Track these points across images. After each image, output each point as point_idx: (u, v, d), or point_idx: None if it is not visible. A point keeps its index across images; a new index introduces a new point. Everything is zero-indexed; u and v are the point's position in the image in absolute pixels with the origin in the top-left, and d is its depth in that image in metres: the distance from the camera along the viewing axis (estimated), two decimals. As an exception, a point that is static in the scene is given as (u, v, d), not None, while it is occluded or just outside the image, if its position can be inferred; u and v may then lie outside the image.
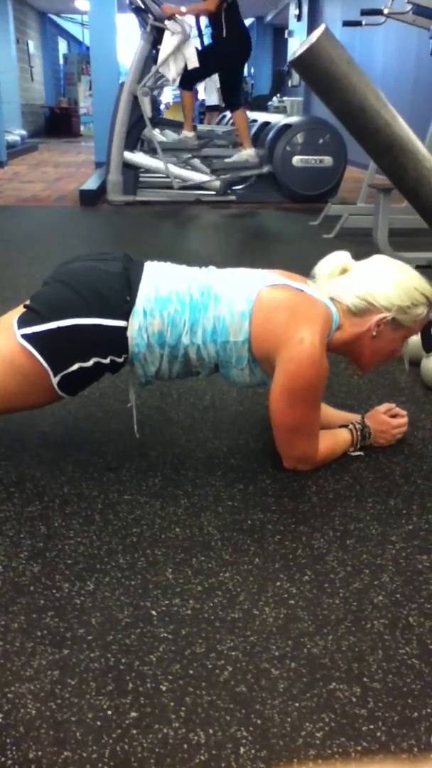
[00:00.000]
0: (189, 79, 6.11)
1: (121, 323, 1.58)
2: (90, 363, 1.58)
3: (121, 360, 1.63)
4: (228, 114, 9.23)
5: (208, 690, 1.10)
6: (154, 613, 1.27)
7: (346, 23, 4.78)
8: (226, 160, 6.45)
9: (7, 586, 1.32)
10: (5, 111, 10.34)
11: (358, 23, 4.66)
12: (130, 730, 1.03)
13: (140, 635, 1.21)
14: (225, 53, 6.00)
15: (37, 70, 17.39)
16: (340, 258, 1.74)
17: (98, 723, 1.04)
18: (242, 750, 1.01)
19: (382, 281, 1.66)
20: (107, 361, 1.60)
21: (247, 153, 6.34)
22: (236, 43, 5.99)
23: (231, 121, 7.96)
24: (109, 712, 1.06)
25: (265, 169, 6.41)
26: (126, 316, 1.59)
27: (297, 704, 1.08)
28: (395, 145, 2.36)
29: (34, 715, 1.05)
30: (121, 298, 1.60)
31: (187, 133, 6.39)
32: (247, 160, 6.34)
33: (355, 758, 1.00)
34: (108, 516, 1.55)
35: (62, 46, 21.89)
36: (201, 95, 8.40)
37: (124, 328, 1.59)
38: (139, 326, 1.59)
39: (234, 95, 6.38)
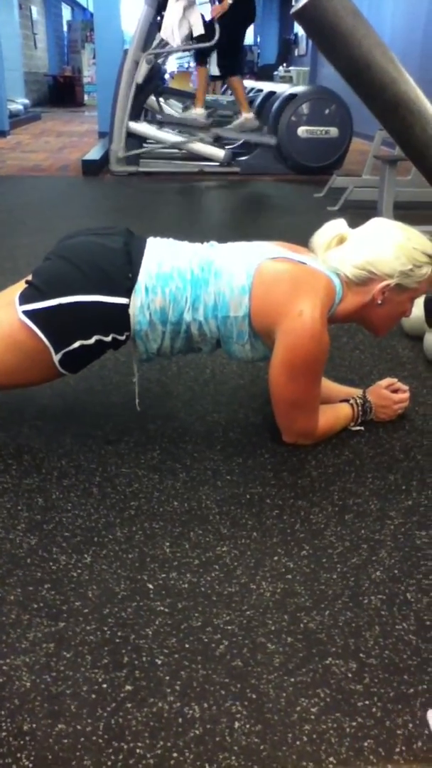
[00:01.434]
0: (203, 54, 6.01)
1: (122, 300, 1.56)
2: (91, 340, 1.56)
3: (122, 337, 1.61)
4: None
5: (204, 664, 1.10)
6: (150, 586, 1.26)
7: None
8: (227, 127, 6.34)
9: (3, 558, 1.32)
10: (8, 79, 10.17)
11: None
12: (125, 703, 1.03)
13: (137, 608, 1.21)
14: (229, 17, 5.86)
15: (40, 37, 17.09)
16: (335, 227, 1.70)
17: (93, 696, 1.04)
18: (237, 724, 1.00)
19: (380, 247, 1.62)
20: (109, 338, 1.59)
21: (246, 117, 6.22)
22: (241, 7, 5.85)
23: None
24: (104, 686, 1.06)
25: (270, 139, 6.31)
26: (128, 293, 1.57)
27: (292, 679, 1.08)
28: (402, 105, 2.28)
29: (29, 688, 1.05)
30: (123, 274, 1.57)
31: (199, 110, 6.27)
32: (245, 124, 6.23)
33: (350, 734, 1.00)
34: (106, 489, 1.55)
35: (66, 12, 21.48)
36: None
37: (126, 306, 1.57)
38: (141, 303, 1.57)
39: (232, 60, 6.22)
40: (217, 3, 5.87)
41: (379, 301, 1.64)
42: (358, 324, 1.78)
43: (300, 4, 2.22)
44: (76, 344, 1.56)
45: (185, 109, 6.73)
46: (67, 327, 1.55)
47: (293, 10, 2.28)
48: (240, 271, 1.59)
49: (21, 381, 1.69)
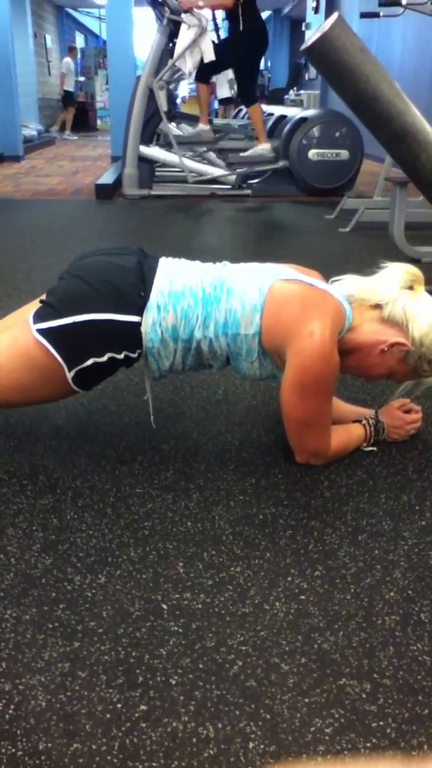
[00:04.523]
0: (205, 72, 6.08)
1: (135, 318, 1.59)
2: (104, 358, 1.59)
3: (135, 355, 1.63)
4: (244, 108, 9.17)
5: (218, 684, 1.10)
6: (164, 606, 1.27)
7: (364, 14, 4.75)
8: (242, 154, 6.42)
9: (19, 578, 1.33)
10: (22, 105, 10.36)
11: (375, 14, 4.62)
12: (139, 723, 1.03)
13: (151, 629, 1.21)
14: (242, 48, 5.95)
15: (54, 64, 17.40)
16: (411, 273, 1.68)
17: (108, 715, 1.04)
18: (251, 745, 1.00)
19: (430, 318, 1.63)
20: (121, 356, 1.61)
21: (263, 147, 6.30)
22: (254, 37, 5.93)
23: (247, 114, 7.91)
24: (119, 705, 1.06)
25: (281, 163, 6.39)
26: (140, 311, 1.59)
27: (307, 699, 1.08)
28: (408, 135, 2.34)
29: (45, 707, 1.06)
30: (135, 293, 1.60)
31: (203, 127, 6.36)
32: (263, 155, 6.31)
33: (365, 754, 0.99)
34: (120, 509, 1.56)
35: (79, 40, 21.89)
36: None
37: (138, 323, 1.59)
38: (153, 321, 1.59)
39: (250, 90, 6.32)
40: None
41: (384, 349, 1.64)
42: (349, 366, 1.72)
43: (309, 42, 2.28)
44: (90, 362, 1.58)
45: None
46: (81, 345, 1.58)
47: (303, 47, 2.35)
48: (252, 289, 1.61)
49: (35, 398, 1.71)
